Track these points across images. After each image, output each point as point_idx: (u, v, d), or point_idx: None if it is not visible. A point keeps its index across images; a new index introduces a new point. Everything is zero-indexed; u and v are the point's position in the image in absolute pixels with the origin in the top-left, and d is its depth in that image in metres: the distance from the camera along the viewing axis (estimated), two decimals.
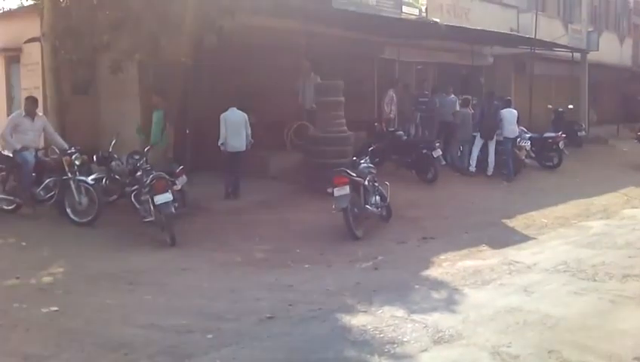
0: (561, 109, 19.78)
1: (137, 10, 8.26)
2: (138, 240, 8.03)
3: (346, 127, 11.24)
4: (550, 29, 20.62)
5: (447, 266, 6.99)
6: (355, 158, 9.53)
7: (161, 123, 10.01)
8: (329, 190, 8.11)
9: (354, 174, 8.64)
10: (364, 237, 8.19)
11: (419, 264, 7.05)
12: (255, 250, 7.58)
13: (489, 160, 13.50)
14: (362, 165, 9.28)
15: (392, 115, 13.92)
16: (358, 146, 11.49)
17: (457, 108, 14.27)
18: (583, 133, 19.08)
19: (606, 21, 25.52)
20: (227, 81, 11.38)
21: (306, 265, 6.91)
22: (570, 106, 20.05)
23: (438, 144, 12.42)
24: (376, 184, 9.32)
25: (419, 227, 9.28)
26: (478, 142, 13.50)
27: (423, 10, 14.32)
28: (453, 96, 14.63)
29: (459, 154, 13.90)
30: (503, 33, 16.76)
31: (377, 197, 9.21)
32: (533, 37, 16.90)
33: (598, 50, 21.07)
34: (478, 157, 13.50)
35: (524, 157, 13.85)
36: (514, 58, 20.45)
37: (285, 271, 6.72)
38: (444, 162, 12.71)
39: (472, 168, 13.50)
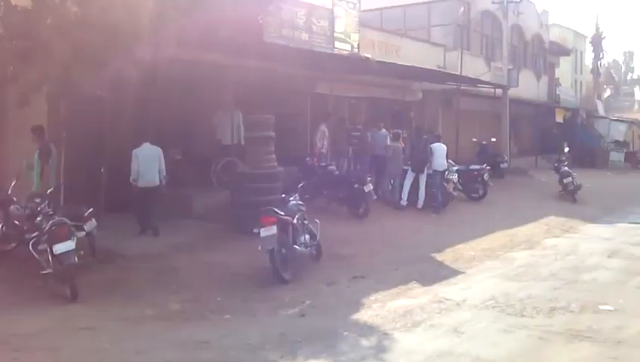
0: (484, 142, 20.55)
1: (48, 38, 7.68)
2: (35, 296, 7.07)
3: (276, 163, 11.02)
4: (474, 67, 21.56)
5: (377, 308, 6.80)
6: (284, 196, 9.28)
7: (37, 164, 9.02)
8: (255, 230, 7.78)
9: (282, 213, 8.37)
10: (293, 279, 7.86)
11: (348, 307, 6.81)
12: (170, 300, 6.90)
13: (419, 193, 13.63)
14: (291, 202, 9.04)
15: (323, 150, 13.84)
16: (289, 182, 11.27)
17: (389, 142, 14.41)
18: (505, 164, 19.81)
19: (524, 60, 26.96)
20: (151, 116, 10.91)
21: (227, 316, 6.44)
22: (493, 139, 20.84)
23: (369, 178, 12.40)
24: (305, 222, 9.09)
25: (350, 265, 9.09)
26: (409, 176, 13.63)
27: (355, 46, 14.49)
28: (384, 130, 14.77)
29: (390, 187, 13.97)
30: (432, 70, 17.26)
31: (307, 236, 8.96)
32: (459, 73, 17.47)
33: (517, 86, 22.13)
34: (409, 190, 13.61)
35: (452, 190, 14.08)
36: (441, 94, 21.10)
37: (202, 324, 6.20)
38: (375, 196, 12.70)
39: (404, 201, 13.58)
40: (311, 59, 13.53)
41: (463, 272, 8.73)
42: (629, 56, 64.66)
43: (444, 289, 7.72)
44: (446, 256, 9.79)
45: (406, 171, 13.76)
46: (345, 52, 14.13)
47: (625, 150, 29.08)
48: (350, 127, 15.49)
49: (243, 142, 11.68)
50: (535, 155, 25.15)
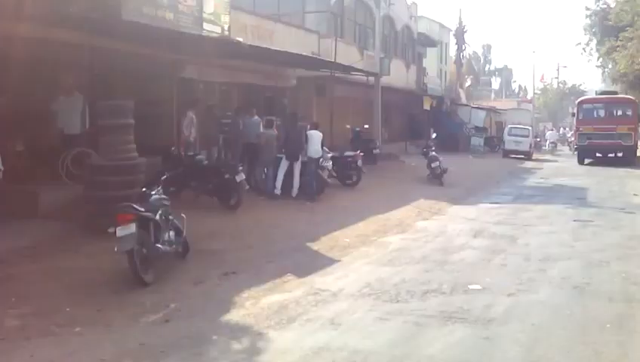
0: (358, 129, 20.81)
1: None
2: None
3: (136, 153, 10.06)
4: (348, 55, 21.70)
5: (250, 306, 6.32)
6: (145, 189, 8.43)
7: None
8: (110, 229, 6.93)
9: (142, 209, 7.57)
10: (156, 281, 7.11)
11: (218, 307, 6.26)
12: (9, 315, 5.83)
13: (294, 181, 13.35)
14: (154, 197, 8.23)
15: (191, 139, 13.02)
16: (152, 174, 10.36)
17: (261, 129, 13.95)
18: (378, 150, 20.21)
19: (395, 49, 27.80)
20: None
21: (77, 329, 5.54)
22: (366, 126, 21.19)
23: (241, 168, 11.85)
24: (170, 217, 8.34)
25: (220, 261, 8.49)
26: (284, 164, 13.28)
27: (226, 28, 13.76)
28: (256, 117, 14.27)
29: (263, 176, 13.54)
30: (306, 56, 17.01)
31: (171, 233, 8.20)
32: (333, 60, 17.39)
33: (389, 74, 22.67)
34: (282, 179, 13.26)
35: (326, 177, 13.95)
36: (315, 80, 21.01)
37: (46, 341, 5.27)
38: (247, 186, 12.18)
39: (278, 191, 13.21)
40: (177, 41, 12.63)
41: (339, 260, 8.52)
42: (487, 48, 69.98)
43: (320, 280, 7.44)
44: (321, 245, 9.55)
45: (280, 159, 13.41)
46: (215, 34, 13.35)
47: (484, 135, 31.22)
48: (220, 114, 14.79)
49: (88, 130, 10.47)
50: (405, 141, 26.06)
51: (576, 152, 26.74)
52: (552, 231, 10.02)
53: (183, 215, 8.62)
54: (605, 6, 42.62)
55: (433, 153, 17.70)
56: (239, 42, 13.62)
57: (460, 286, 6.83)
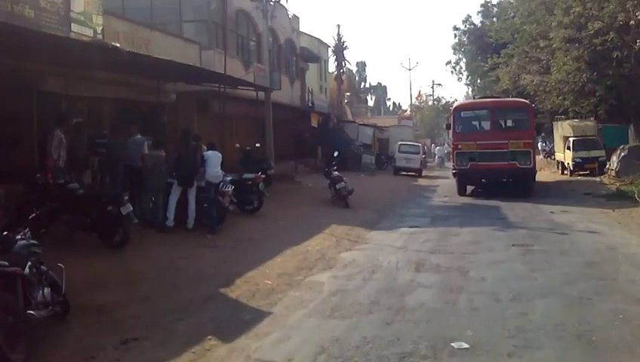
0: (249, 148, 19.03)
1: None
2: None
3: None
4: (231, 68, 19.88)
5: None
6: (5, 233, 6.12)
7: None
8: None
9: (4, 262, 5.38)
10: (29, 360, 4.99)
11: None
12: None
13: (189, 210, 11.30)
14: (19, 243, 5.99)
15: (61, 163, 10.49)
16: (12, 208, 7.96)
17: (146, 150, 11.77)
18: (272, 171, 18.60)
19: (278, 64, 26.43)
20: None
21: None
22: (258, 145, 19.49)
23: (126, 197, 9.63)
24: (43, 268, 6.15)
25: (113, 322, 6.44)
26: (176, 190, 11.21)
27: (99, 31, 11.43)
28: (139, 136, 12.03)
29: (151, 205, 11.33)
30: (195, 67, 15.05)
31: (47, 290, 6.05)
32: (223, 73, 15.57)
33: (280, 89, 21.23)
34: (175, 207, 11.18)
35: (227, 204, 12.08)
36: (197, 95, 18.91)
37: None
38: (136, 220, 9.97)
39: (170, 222, 11.09)
40: (38, 45, 10.14)
41: (270, 312, 6.80)
42: (362, 66, 71.48)
43: (255, 346, 5.69)
44: (240, 291, 7.75)
45: (171, 185, 11.32)
46: (85, 38, 11.03)
47: (375, 153, 30.91)
48: (94, 133, 12.30)
49: None
50: (294, 160, 24.73)
51: (455, 178, 19.11)
52: (498, 261, 9.05)
53: (61, 265, 6.44)
54: (472, 26, 45.37)
55: (336, 173, 16.49)
56: (116, 48, 11.37)
57: (440, 344, 5.43)
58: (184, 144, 11.42)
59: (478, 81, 47.39)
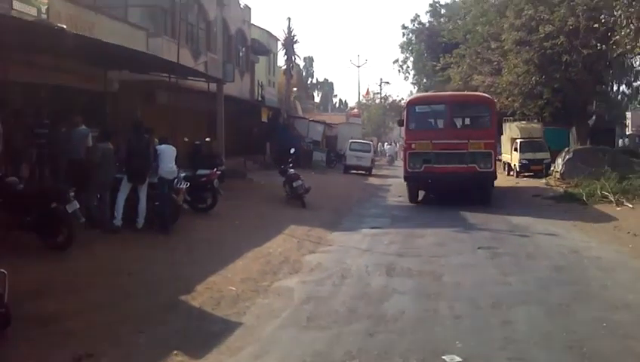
0: (198, 142, 18.17)
1: None
2: None
3: None
4: (180, 57, 18.95)
5: None
6: None
7: None
8: None
9: None
10: None
11: None
12: None
13: (139, 208, 10.49)
14: None
15: None
16: None
17: (90, 143, 10.87)
18: (224, 167, 17.83)
19: (229, 55, 25.55)
20: None
21: None
22: (208, 139, 18.65)
23: (73, 193, 8.76)
24: None
25: (63, 334, 5.71)
26: (125, 187, 10.38)
27: (44, 11, 10.40)
28: (84, 127, 11.09)
29: (95, 203, 10.44)
30: (146, 53, 14.11)
31: None
32: (175, 62, 14.67)
33: (233, 80, 20.42)
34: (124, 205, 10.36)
35: (181, 202, 11.32)
36: (141, 86, 17.86)
37: None
38: (83, 219, 9.09)
39: (118, 221, 10.26)
40: None
41: (239, 323, 6.23)
42: (309, 61, 70.64)
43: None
44: (202, 298, 7.12)
45: (119, 180, 10.48)
46: (29, 17, 9.99)
47: (327, 150, 30.48)
48: (33, 122, 11.22)
49: None
50: (243, 156, 23.94)
51: (405, 182, 16.89)
52: (469, 264, 8.79)
53: (4, 271, 5.64)
54: (420, 25, 45.84)
55: (292, 171, 15.94)
56: (63, 30, 10.40)
57: (431, 358, 5.04)
58: (136, 136, 10.56)
59: (424, 80, 48.05)
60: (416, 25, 46.37)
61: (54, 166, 10.79)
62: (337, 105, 64.29)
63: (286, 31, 37.39)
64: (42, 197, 8.61)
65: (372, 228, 12.27)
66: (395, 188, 20.91)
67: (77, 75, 14.54)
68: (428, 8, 46.11)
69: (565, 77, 22.02)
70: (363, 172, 27.71)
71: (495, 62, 24.36)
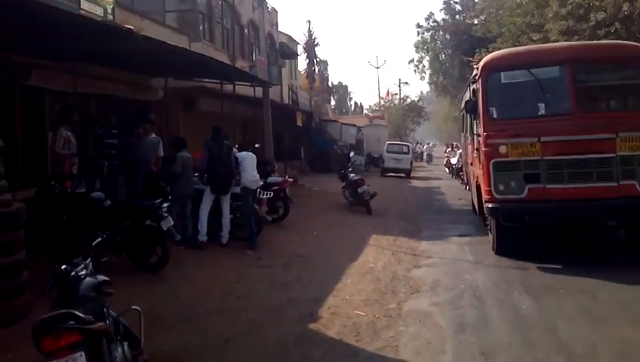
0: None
1: None
2: None
3: (9, 195, 5.83)
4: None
5: None
6: (64, 267, 4.40)
7: None
8: None
9: (89, 316, 3.79)
10: None
11: None
12: None
13: (223, 221, 9.68)
14: (85, 281, 4.34)
15: (74, 168, 8.63)
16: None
17: (161, 152, 10.09)
18: (276, 174, 17.01)
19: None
20: None
21: None
22: (257, 145, 17.87)
23: (165, 208, 7.95)
24: (119, 318, 4.52)
25: None
26: (208, 198, 9.56)
27: (110, 10, 9.61)
28: (154, 135, 10.29)
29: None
30: (211, 58, 13.28)
31: (125, 347, 4.43)
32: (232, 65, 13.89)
33: (279, 84, 19.60)
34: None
35: (265, 214, 10.50)
36: (182, 93, 17.04)
37: None
38: (179, 236, 8.27)
39: (203, 236, 9.46)
40: (28, 29, 8.26)
41: (403, 360, 5.37)
42: (324, 65, 69.46)
43: None
44: (335, 327, 6.26)
45: (199, 192, 9.68)
46: (97, 17, 9.17)
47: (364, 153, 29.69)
48: (102, 132, 10.39)
49: None
50: (283, 162, 23.11)
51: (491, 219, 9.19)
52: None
53: (137, 307, 4.82)
54: (435, 24, 44.99)
55: (354, 175, 15.09)
56: (131, 30, 9.57)
57: None
58: (215, 144, 9.73)
59: (441, 78, 47.21)
60: (430, 23, 45.56)
61: (131, 179, 9.96)
62: (353, 107, 63.35)
63: (306, 34, 36.66)
64: (134, 213, 7.77)
65: (460, 235, 11.38)
66: (447, 190, 20.02)
67: (122, 83, 13.76)
68: (442, 6, 45.31)
69: None
70: (402, 175, 26.80)
71: None
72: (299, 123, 24.62)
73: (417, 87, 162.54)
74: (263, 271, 8.51)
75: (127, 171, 10.04)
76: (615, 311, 6.43)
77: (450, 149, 32.86)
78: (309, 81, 35.94)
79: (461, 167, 20.10)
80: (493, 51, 25.95)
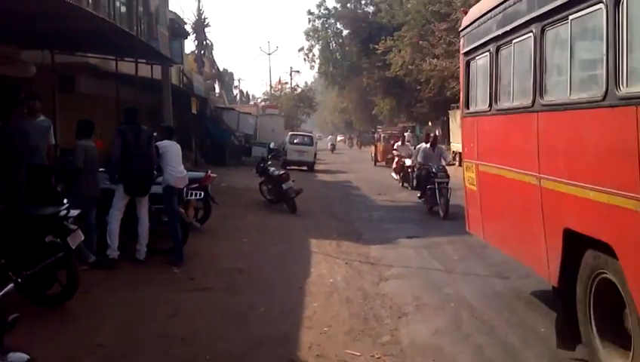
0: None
1: None
2: None
3: None
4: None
5: None
6: None
7: None
8: None
9: None
10: None
11: None
12: None
13: (140, 231, 7.57)
14: None
15: None
16: None
17: (53, 139, 7.73)
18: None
19: (150, 36, 21.90)
20: None
21: None
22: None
23: (72, 218, 5.78)
24: None
25: None
26: (120, 201, 7.40)
27: None
28: (43, 116, 7.86)
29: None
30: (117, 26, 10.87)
31: None
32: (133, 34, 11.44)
33: (182, 63, 17.14)
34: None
35: (192, 219, 8.49)
36: (58, 69, 14.03)
37: None
38: (93, 257, 6.11)
39: (114, 252, 7.30)
40: None
41: None
42: (209, 49, 65.58)
43: None
44: None
45: (109, 193, 7.50)
46: None
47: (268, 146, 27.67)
48: None
49: None
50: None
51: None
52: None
53: None
54: (327, 12, 44.25)
55: (274, 170, 13.34)
56: None
57: None
58: (132, 129, 7.55)
59: (331, 68, 46.69)
60: (322, 11, 44.83)
61: (14, 174, 7.43)
62: (238, 97, 60.75)
63: (195, 13, 33.92)
64: (26, 226, 5.52)
65: (408, 237, 10.17)
66: (361, 184, 19.00)
67: None
68: None
69: None
70: (304, 168, 25.35)
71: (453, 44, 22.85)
72: (193, 110, 22.24)
73: (308, 76, 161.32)
74: (203, 297, 6.60)
75: (4, 165, 7.50)
76: None
77: (400, 143, 21.09)
78: (197, 65, 33.22)
79: (427, 174, 12.82)
80: (397, 39, 24.35)
